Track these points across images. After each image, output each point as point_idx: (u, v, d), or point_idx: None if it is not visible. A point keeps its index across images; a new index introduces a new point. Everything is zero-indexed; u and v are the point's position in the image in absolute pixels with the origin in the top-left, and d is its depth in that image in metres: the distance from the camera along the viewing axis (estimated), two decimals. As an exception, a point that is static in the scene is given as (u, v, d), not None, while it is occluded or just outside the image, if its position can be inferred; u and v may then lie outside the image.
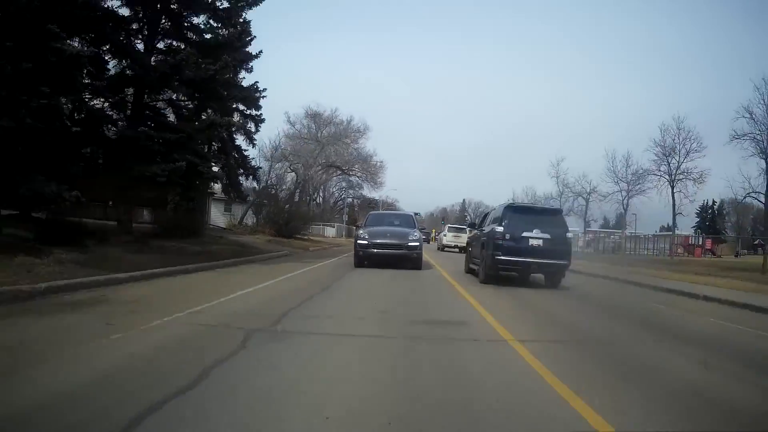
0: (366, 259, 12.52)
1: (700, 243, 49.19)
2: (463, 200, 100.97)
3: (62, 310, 5.29)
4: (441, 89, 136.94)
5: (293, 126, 34.07)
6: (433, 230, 61.30)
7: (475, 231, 13.03)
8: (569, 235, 10.89)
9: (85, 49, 9.70)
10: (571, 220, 47.04)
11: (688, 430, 2.71)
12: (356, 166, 38.06)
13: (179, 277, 8.85)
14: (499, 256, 9.98)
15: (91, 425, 2.32)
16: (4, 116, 7.96)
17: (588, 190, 34.69)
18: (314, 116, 34.08)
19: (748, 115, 20.03)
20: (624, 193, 29.81)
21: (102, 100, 12.38)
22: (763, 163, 19.29)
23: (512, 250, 9.96)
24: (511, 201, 12.91)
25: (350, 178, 41.83)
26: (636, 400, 3.10)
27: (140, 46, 13.35)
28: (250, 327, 4.41)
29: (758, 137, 19.33)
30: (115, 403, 2.54)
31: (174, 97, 12.31)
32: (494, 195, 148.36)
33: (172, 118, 13.18)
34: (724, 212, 66.67)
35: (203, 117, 12.17)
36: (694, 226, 62.44)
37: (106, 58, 12.16)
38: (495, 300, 7.74)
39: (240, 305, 5.88)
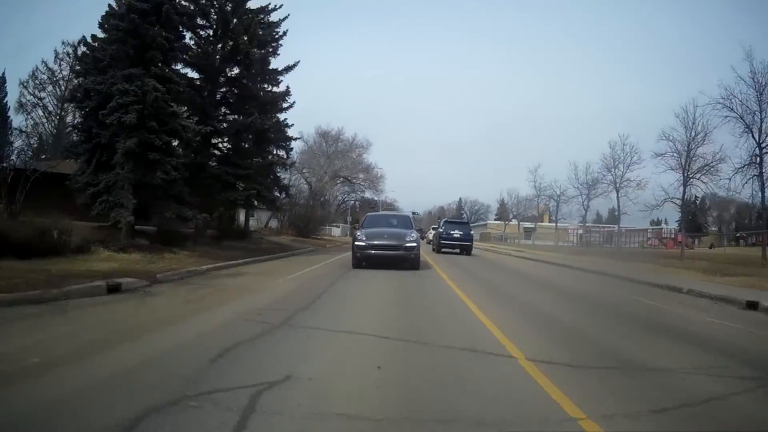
0: (364, 260, 12.86)
1: (673, 236, 54.61)
2: (460, 199, 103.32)
3: (235, 276, 10.47)
4: (440, 89, 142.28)
5: (306, 143, 39.84)
6: (431, 228, 66.65)
7: (436, 230, 26.90)
8: (471, 232, 24.40)
9: (207, 128, 14.92)
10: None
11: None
12: (360, 175, 43.88)
13: (263, 263, 14.18)
14: (441, 240, 23.03)
15: (303, 301, 7.38)
16: (158, 171, 13.23)
17: (558, 194, 40.47)
18: (324, 134, 40.00)
19: (664, 138, 25.46)
20: (584, 197, 35.42)
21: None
22: (680, 175, 24.66)
23: (446, 238, 22.89)
24: (449, 217, 29.73)
25: (354, 185, 47.33)
26: (479, 292, 8.50)
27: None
28: (336, 275, 9.81)
29: (676, 156, 24.76)
30: (306, 294, 7.74)
31: (241, 141, 17.63)
32: (487, 193, 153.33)
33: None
34: (706, 207, 71.48)
35: (267, 157, 17.62)
36: (678, 220, 66.96)
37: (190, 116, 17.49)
38: (440, 260, 16.06)
39: (319, 272, 11.29)
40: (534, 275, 13.54)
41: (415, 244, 12.95)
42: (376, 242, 12.84)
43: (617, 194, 31.14)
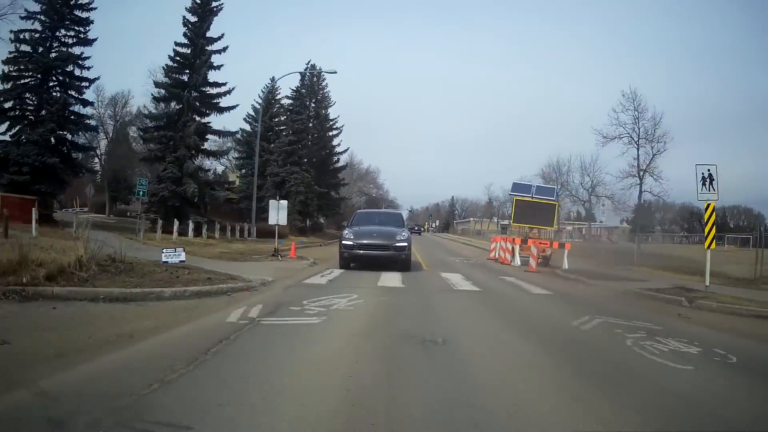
0: (351, 260, 12.18)
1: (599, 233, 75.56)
2: (452, 197, 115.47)
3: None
4: (437, 88, 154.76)
5: (339, 170, 63.56)
6: (425, 223, 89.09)
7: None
8: (422, 227, 60.53)
9: (324, 189, 38.33)
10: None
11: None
12: (371, 186, 67.91)
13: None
14: (411, 231, 44.38)
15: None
16: (310, 206, 36.29)
17: (498, 204, 64.40)
18: (350, 165, 63.01)
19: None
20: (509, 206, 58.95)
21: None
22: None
23: (413, 230, 45.70)
24: (414, 223, 64.05)
25: (366, 193, 71.02)
26: (422, 253, 31.90)
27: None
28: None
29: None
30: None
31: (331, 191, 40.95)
32: (476, 192, 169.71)
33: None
34: (653, 210, 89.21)
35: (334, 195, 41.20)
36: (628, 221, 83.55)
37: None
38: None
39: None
40: (445, 245, 36.68)
41: (405, 244, 12.39)
42: (364, 241, 12.25)
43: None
